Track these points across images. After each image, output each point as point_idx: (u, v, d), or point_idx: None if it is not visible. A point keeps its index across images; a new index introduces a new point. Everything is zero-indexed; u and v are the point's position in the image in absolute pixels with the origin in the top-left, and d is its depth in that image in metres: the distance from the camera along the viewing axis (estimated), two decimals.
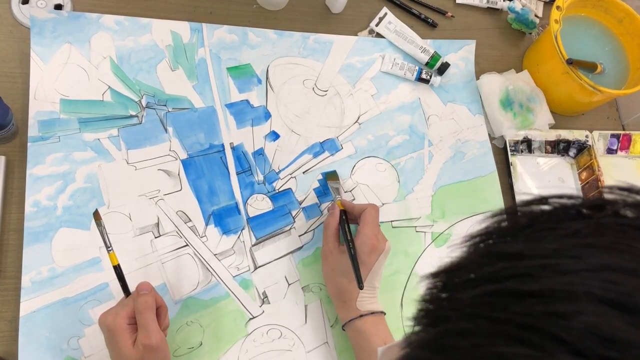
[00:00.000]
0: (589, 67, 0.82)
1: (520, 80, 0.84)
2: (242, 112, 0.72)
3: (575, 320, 0.20)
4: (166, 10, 0.74)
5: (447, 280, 0.27)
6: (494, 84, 0.83)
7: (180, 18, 0.74)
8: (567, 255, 0.23)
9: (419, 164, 0.77)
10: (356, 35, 0.82)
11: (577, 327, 0.20)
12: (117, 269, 0.54)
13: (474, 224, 0.27)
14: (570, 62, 0.77)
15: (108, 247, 0.54)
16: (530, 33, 0.92)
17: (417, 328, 0.26)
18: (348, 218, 0.64)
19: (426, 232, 0.74)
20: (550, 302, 0.21)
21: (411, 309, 0.71)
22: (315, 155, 0.73)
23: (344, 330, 0.61)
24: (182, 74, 0.71)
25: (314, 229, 0.69)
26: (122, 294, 0.55)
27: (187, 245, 0.64)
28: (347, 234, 0.61)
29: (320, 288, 0.67)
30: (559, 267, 0.22)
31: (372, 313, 0.59)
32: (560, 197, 0.26)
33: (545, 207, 0.26)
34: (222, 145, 0.70)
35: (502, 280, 0.23)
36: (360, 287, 0.57)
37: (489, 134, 0.83)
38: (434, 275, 0.27)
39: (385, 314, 0.61)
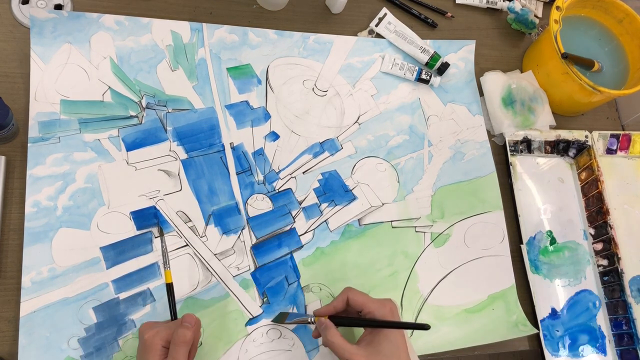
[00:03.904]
0: (586, 64, 0.82)
1: (524, 79, 0.84)
2: (241, 113, 0.72)
3: None
4: (166, 10, 0.74)
5: None
6: (497, 81, 0.83)
7: (180, 18, 0.74)
8: None
9: (418, 164, 0.77)
10: (356, 35, 0.83)
11: None
12: (170, 288, 0.56)
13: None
14: (565, 56, 0.77)
15: (165, 265, 0.57)
16: (530, 33, 0.92)
17: None
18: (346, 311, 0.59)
19: (426, 232, 0.74)
20: None
21: (411, 308, 0.72)
22: (315, 155, 0.73)
23: None
24: (182, 74, 0.71)
25: (314, 229, 0.70)
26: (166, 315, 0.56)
27: (187, 245, 0.64)
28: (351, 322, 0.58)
29: (320, 288, 0.67)
30: None
31: None
32: None
33: None
34: (222, 145, 0.70)
35: None
36: (427, 328, 0.53)
37: (489, 131, 0.83)
38: None
39: None
